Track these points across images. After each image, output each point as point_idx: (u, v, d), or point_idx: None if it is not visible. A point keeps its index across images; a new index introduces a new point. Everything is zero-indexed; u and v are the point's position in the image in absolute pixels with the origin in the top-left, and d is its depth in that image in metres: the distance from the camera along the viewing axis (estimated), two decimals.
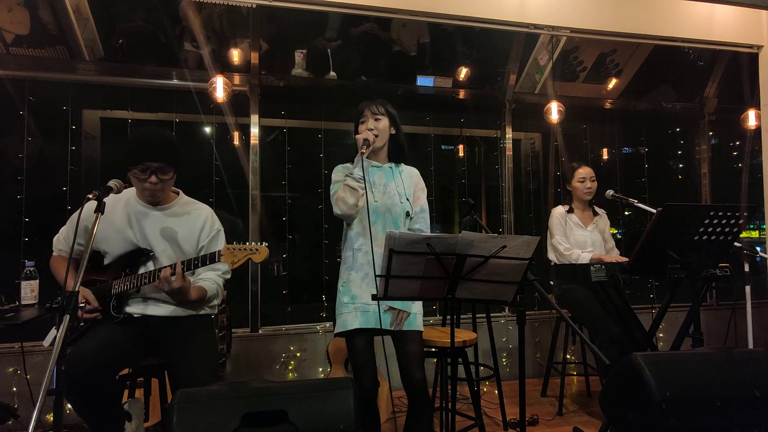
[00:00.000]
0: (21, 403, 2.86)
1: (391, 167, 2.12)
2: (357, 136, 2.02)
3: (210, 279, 2.02)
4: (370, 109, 2.07)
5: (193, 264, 1.87)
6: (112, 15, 3.43)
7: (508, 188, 4.05)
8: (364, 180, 1.94)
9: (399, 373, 1.99)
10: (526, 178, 4.43)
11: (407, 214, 2.07)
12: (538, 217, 4.23)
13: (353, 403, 1.30)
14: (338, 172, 2.09)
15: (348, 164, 2.09)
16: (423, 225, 2.11)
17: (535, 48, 3.98)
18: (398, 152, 2.15)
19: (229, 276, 2.11)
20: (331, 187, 2.06)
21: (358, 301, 1.97)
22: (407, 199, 2.08)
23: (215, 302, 2.09)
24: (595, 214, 3.17)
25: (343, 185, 1.95)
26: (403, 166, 2.17)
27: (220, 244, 2.04)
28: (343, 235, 2.12)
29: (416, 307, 2.03)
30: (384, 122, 2.06)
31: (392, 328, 1.99)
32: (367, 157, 1.97)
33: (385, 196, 2.04)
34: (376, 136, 2.02)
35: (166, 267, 1.86)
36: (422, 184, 2.18)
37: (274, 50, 3.75)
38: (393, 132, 2.11)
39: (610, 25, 3.24)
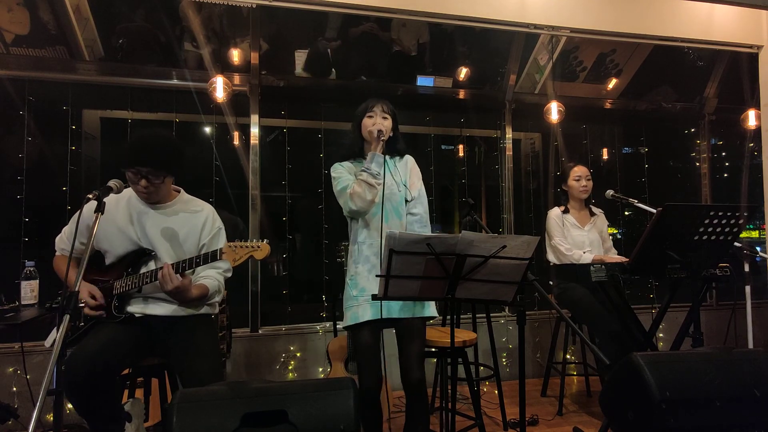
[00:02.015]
0: (21, 403, 2.86)
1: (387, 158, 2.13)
2: (370, 128, 2.02)
3: (211, 277, 2.02)
4: (380, 106, 2.07)
5: (195, 262, 1.87)
6: (112, 15, 3.42)
7: (508, 188, 4.05)
8: (384, 175, 1.95)
9: (399, 371, 2.00)
10: (526, 178, 4.42)
11: (406, 201, 2.10)
12: (538, 217, 4.22)
13: (353, 403, 1.31)
14: (339, 169, 2.09)
15: (346, 162, 2.10)
16: (421, 209, 2.12)
17: (535, 48, 3.98)
18: (394, 150, 2.16)
19: (230, 274, 2.11)
20: (337, 183, 2.05)
21: (366, 293, 1.97)
22: (405, 185, 2.11)
23: (216, 300, 2.09)
24: (592, 214, 3.17)
25: (358, 180, 1.95)
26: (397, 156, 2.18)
27: (221, 242, 2.04)
28: (349, 229, 2.14)
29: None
30: (389, 122, 2.08)
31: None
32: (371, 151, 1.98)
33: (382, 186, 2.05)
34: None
35: (163, 266, 1.83)
36: (417, 169, 2.19)
37: (274, 50, 3.74)
38: (391, 134, 2.13)
39: (610, 25, 3.25)
